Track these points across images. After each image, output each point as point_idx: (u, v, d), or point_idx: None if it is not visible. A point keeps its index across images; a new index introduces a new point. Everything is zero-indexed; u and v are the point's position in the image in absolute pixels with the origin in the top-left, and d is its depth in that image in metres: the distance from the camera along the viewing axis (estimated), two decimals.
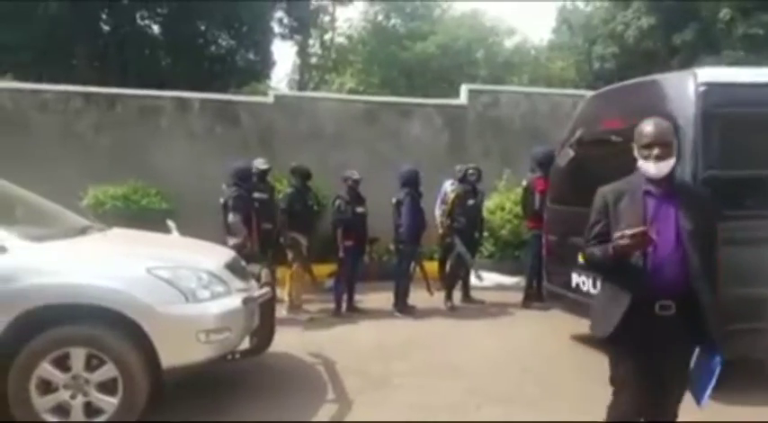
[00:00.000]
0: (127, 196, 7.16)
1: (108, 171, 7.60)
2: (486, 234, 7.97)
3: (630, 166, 4.31)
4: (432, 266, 6.98)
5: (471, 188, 6.82)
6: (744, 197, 3.81)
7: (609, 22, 16.85)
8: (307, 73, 24.55)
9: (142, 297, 3.30)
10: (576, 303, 4.93)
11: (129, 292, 3.27)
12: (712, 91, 3.81)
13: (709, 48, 13.98)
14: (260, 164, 6.43)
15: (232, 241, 5.73)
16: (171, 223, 5.43)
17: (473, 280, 7.09)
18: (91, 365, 3.21)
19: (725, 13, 13.74)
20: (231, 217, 5.84)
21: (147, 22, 15.24)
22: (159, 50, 14.95)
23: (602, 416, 3.50)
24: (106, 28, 14.71)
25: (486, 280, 7.46)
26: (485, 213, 7.67)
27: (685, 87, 3.88)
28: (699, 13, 14.34)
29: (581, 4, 21.13)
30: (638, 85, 4.58)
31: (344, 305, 6.39)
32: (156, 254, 3.75)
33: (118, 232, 4.30)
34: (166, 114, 8.55)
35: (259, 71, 16.97)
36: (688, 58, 13.78)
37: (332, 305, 6.43)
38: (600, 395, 3.87)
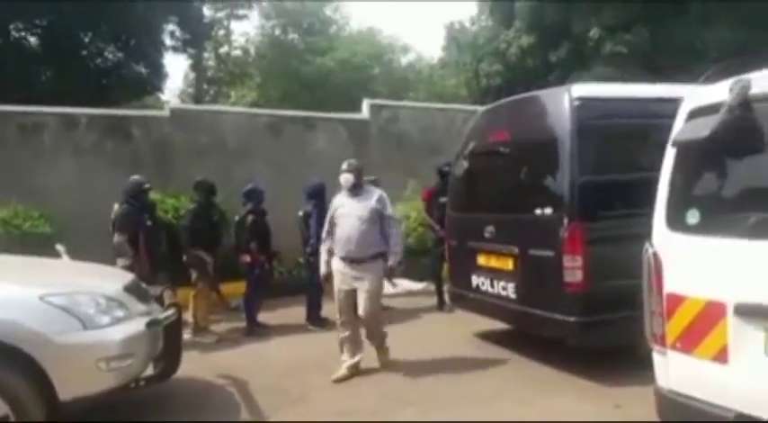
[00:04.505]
0: (7, 220, 6.60)
1: None
2: None
3: (519, 176, 4.75)
4: None
5: None
6: (614, 199, 4.27)
7: (493, 41, 17.92)
8: (203, 86, 23.86)
9: (35, 326, 3.11)
10: (477, 302, 5.26)
11: (19, 321, 3.08)
12: (585, 105, 4.25)
13: (581, 64, 15.29)
14: None
15: (121, 263, 5.44)
16: (60, 247, 5.12)
17: (387, 287, 7.30)
18: None
19: (594, 32, 15.10)
20: (117, 237, 5.50)
21: (23, 34, 14.17)
22: (40, 64, 13.93)
23: (513, 413, 3.79)
24: None
25: (398, 286, 7.74)
26: None
27: (561, 102, 4.31)
28: (571, 32, 15.66)
29: (468, 24, 22.30)
30: (522, 100, 5.02)
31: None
32: (48, 280, 3.55)
33: (4, 259, 4.01)
34: (50, 131, 8.02)
35: (150, 84, 16.29)
36: (563, 74, 14.98)
37: (241, 325, 6.32)
38: (507, 393, 4.19)
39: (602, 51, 15.01)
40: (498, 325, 5.49)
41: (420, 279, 8.18)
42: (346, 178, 4.73)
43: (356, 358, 4.75)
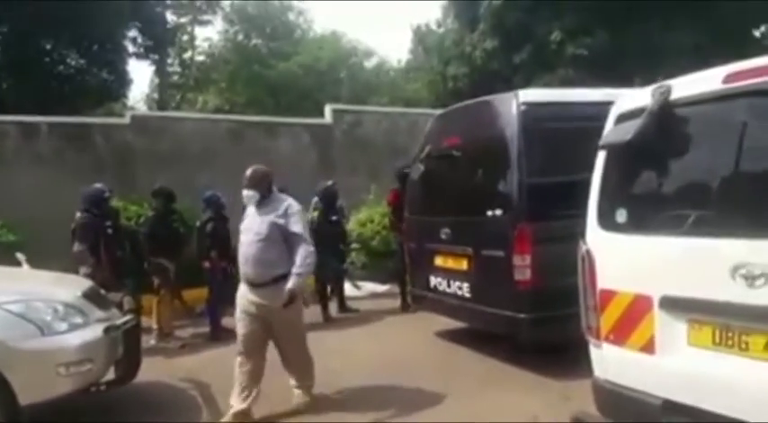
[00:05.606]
0: None
1: None
2: (357, 246, 8.39)
3: (471, 179, 4.92)
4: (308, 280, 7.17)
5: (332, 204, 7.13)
6: (561, 200, 4.41)
7: (459, 44, 18.16)
8: (167, 92, 23.57)
9: None
10: (436, 302, 5.41)
11: None
12: (531, 109, 4.43)
13: (543, 67, 15.61)
14: None
15: (83, 271, 5.40)
16: (21, 256, 5.13)
17: (351, 289, 7.42)
18: None
19: (556, 35, 15.43)
20: (76, 246, 5.44)
21: None
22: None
23: (463, 409, 3.93)
24: None
25: (362, 289, 7.86)
26: (356, 226, 8.09)
27: (509, 107, 4.48)
28: (534, 35, 15.98)
29: (434, 26, 22.53)
30: (474, 105, 5.19)
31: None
32: (5, 288, 3.59)
33: None
34: (10, 140, 7.93)
35: (114, 91, 16.08)
36: (527, 77, 15.28)
37: (206, 330, 6.33)
38: (460, 389, 4.34)
39: (564, 54, 15.33)
40: (457, 324, 5.64)
41: (384, 281, 8.30)
42: (248, 196, 3.92)
43: (246, 403, 3.86)
